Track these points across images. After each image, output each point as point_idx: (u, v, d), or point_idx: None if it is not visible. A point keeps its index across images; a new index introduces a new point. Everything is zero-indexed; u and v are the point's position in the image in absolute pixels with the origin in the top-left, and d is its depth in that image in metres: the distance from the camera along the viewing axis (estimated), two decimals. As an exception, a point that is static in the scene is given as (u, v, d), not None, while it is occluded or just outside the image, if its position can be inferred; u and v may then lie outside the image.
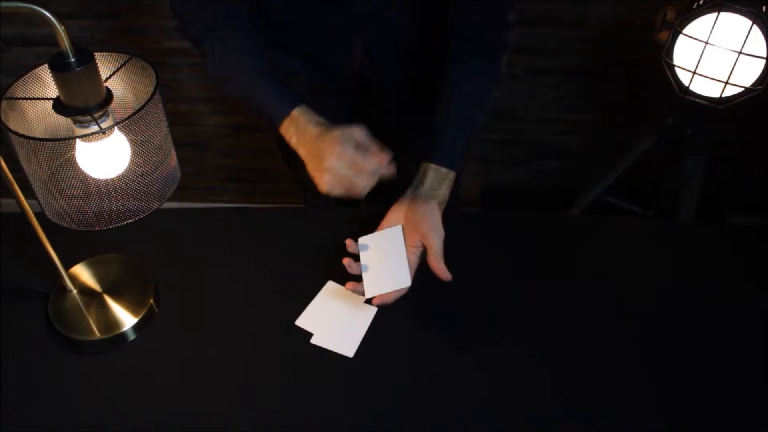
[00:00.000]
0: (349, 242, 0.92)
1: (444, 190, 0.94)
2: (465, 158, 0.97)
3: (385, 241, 0.91)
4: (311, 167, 0.90)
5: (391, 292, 0.88)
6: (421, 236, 0.89)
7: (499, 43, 0.99)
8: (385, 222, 0.94)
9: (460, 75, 0.97)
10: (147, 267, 0.99)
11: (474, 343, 0.90)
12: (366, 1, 0.99)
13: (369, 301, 0.90)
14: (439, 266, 0.87)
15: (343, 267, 0.95)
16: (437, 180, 0.93)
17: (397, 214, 0.94)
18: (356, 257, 0.92)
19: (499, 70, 0.99)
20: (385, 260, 0.89)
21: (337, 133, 0.88)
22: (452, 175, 0.94)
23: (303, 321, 0.92)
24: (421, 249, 0.90)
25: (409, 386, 0.86)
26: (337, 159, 0.86)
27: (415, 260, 0.90)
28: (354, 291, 0.89)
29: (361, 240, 0.92)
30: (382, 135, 1.28)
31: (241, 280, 0.99)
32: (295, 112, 0.92)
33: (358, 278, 0.90)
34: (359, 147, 0.88)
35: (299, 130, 0.91)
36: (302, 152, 0.92)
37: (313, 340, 0.90)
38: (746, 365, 0.87)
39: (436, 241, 0.88)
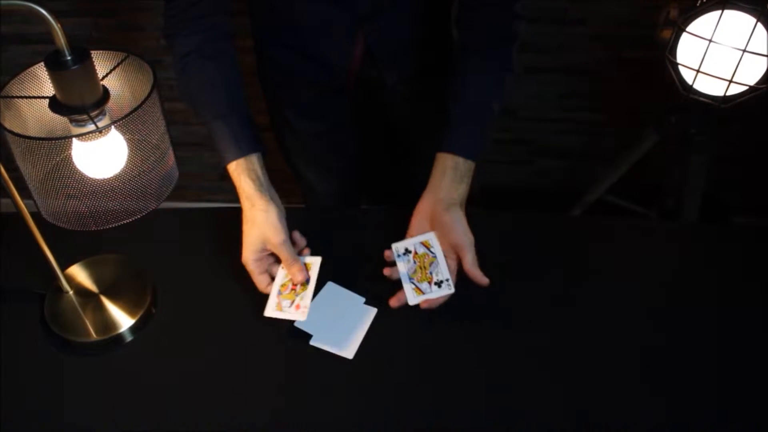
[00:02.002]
0: (387, 253, 0.92)
1: (464, 189, 0.94)
2: (483, 148, 0.96)
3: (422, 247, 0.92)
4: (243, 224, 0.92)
5: (438, 298, 0.88)
6: (453, 246, 0.89)
7: (508, 33, 0.98)
8: (410, 229, 0.93)
9: (472, 66, 0.97)
10: (144, 267, 0.99)
11: (475, 345, 0.90)
12: (368, 0, 0.98)
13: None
14: (476, 275, 0.88)
15: (342, 268, 0.96)
16: (457, 179, 0.93)
17: (421, 220, 0.93)
18: (392, 263, 0.92)
19: (510, 58, 0.99)
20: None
21: (258, 225, 0.89)
22: (471, 167, 0.94)
23: (302, 322, 0.92)
24: (455, 255, 0.90)
25: (409, 388, 0.86)
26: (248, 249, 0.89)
27: (454, 266, 0.90)
28: (399, 302, 0.89)
29: (395, 246, 0.92)
30: (382, 135, 1.29)
31: (240, 280, 0.98)
32: (240, 162, 0.92)
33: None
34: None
35: (240, 181, 0.92)
36: (241, 202, 0.93)
37: (312, 342, 0.90)
38: (749, 365, 0.87)
39: (468, 249, 0.88)
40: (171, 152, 0.79)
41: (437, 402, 0.84)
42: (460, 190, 0.93)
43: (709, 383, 0.85)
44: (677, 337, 0.90)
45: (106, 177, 0.74)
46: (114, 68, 0.73)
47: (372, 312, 0.93)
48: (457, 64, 0.98)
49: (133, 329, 0.92)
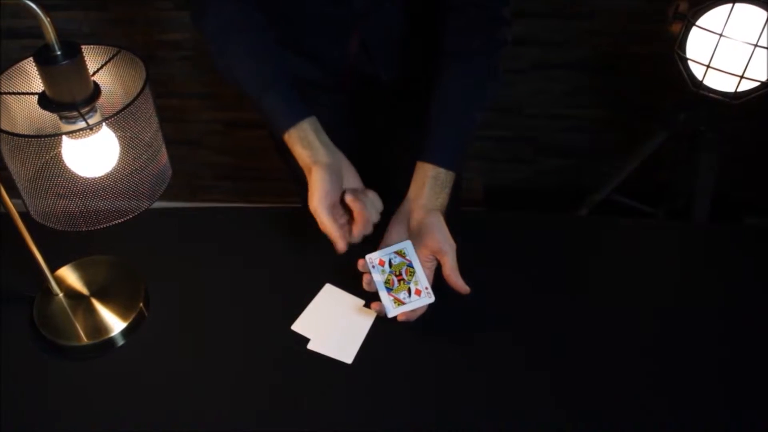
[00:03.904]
0: (360, 263, 0.91)
1: (444, 197, 0.93)
2: (464, 158, 0.96)
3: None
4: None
5: (416, 309, 0.88)
6: (434, 252, 0.89)
7: (494, 38, 0.98)
8: (387, 236, 0.92)
9: (454, 72, 0.97)
10: (136, 269, 0.99)
11: (477, 348, 0.90)
12: None
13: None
14: (457, 282, 0.87)
15: (341, 269, 0.95)
16: (437, 188, 0.93)
17: (399, 228, 0.92)
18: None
19: (496, 66, 0.98)
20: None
21: (324, 177, 0.88)
22: (452, 177, 0.94)
23: (299, 326, 0.92)
24: (434, 263, 0.90)
25: (409, 393, 0.86)
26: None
27: (431, 275, 0.90)
28: (379, 311, 0.88)
29: (369, 258, 0.91)
30: (379, 133, 1.29)
31: (235, 282, 0.98)
32: (294, 131, 0.92)
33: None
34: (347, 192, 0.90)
35: (296, 148, 0.92)
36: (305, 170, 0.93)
37: (310, 346, 0.90)
38: (760, 367, 0.87)
39: (449, 254, 0.88)
40: (164, 150, 0.79)
41: (438, 407, 0.84)
42: (441, 199, 0.93)
43: (717, 384, 0.86)
44: (685, 339, 0.90)
45: (97, 176, 0.74)
46: (105, 63, 0.73)
47: (372, 315, 0.93)
48: (440, 68, 0.97)
49: (124, 333, 0.92)
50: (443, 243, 0.88)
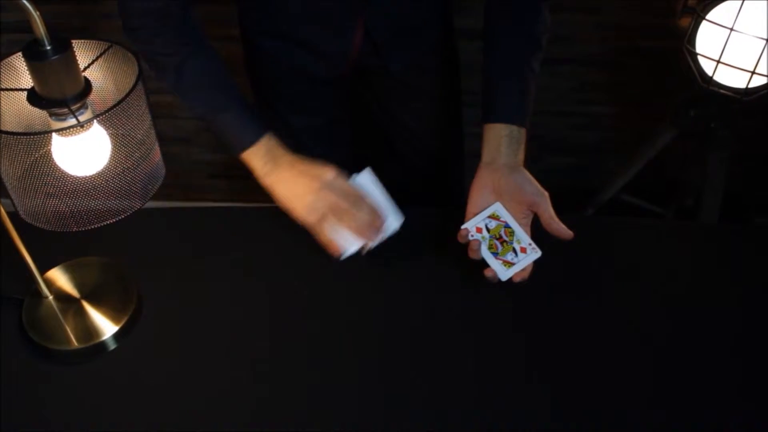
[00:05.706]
0: (462, 234, 0.92)
1: (522, 154, 0.94)
2: (530, 114, 0.96)
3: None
4: (287, 193, 0.91)
5: (526, 267, 0.90)
6: (528, 205, 0.91)
7: None
8: (472, 204, 0.93)
9: (503, 29, 0.96)
10: (129, 271, 0.99)
11: (480, 349, 0.90)
12: None
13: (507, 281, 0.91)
14: (559, 228, 0.89)
15: (341, 270, 0.96)
16: (514, 145, 0.93)
17: (483, 194, 0.93)
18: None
19: (542, 15, 0.97)
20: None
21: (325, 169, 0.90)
22: (524, 134, 0.94)
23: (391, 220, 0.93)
24: (529, 218, 0.92)
25: (408, 394, 0.86)
26: (330, 185, 0.89)
27: (529, 231, 0.92)
28: (491, 278, 0.90)
29: (466, 227, 0.92)
30: (382, 128, 1.29)
31: (230, 284, 0.99)
32: (267, 139, 0.94)
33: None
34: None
35: (272, 157, 0.93)
36: (272, 179, 0.93)
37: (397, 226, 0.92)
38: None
39: (544, 205, 0.90)
40: (157, 148, 0.80)
41: (438, 410, 0.84)
42: (519, 156, 0.94)
43: (729, 387, 0.86)
44: (695, 340, 0.91)
45: (88, 174, 0.74)
46: (96, 59, 0.73)
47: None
48: (488, 31, 0.97)
49: (116, 336, 0.92)
50: (536, 195, 0.90)
